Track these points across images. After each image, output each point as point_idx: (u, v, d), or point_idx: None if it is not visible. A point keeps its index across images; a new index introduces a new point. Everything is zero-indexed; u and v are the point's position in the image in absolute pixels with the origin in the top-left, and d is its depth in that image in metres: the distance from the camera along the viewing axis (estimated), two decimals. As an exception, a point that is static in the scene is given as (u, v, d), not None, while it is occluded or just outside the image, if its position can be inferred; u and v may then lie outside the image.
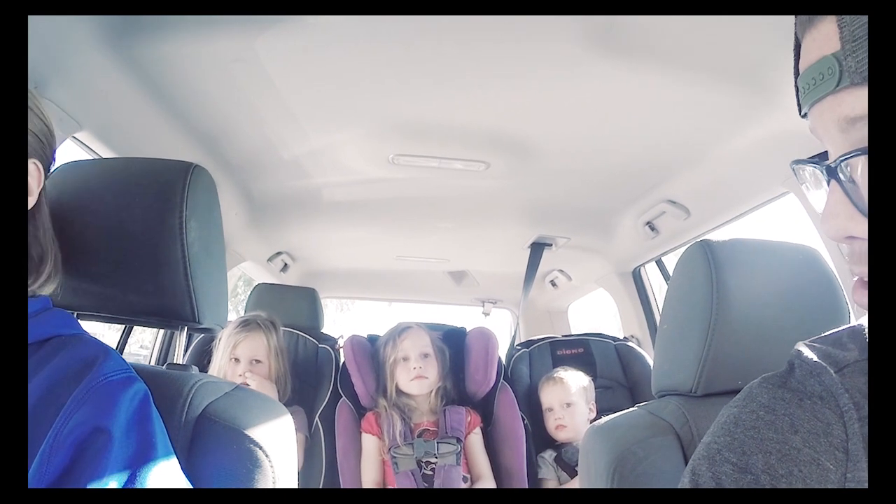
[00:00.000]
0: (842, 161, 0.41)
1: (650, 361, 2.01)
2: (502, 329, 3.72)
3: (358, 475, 1.67)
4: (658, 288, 2.36)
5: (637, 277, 2.37)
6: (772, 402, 0.51)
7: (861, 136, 0.40)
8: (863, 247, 0.42)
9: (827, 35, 0.41)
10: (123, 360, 0.68)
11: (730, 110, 1.25)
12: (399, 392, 1.76)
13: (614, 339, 2.16)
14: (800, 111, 0.45)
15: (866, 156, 0.39)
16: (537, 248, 2.32)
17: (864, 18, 0.39)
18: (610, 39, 1.06)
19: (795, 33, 0.46)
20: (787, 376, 0.53)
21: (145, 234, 0.85)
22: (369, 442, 1.71)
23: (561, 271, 2.77)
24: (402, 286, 3.34)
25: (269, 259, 2.55)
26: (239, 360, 1.73)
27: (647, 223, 1.85)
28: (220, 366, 1.74)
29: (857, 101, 0.40)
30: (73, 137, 1.25)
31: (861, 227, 0.41)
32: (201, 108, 1.36)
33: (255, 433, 0.80)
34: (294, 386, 1.84)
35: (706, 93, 1.19)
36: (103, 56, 1.11)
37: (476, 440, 1.74)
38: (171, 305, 0.87)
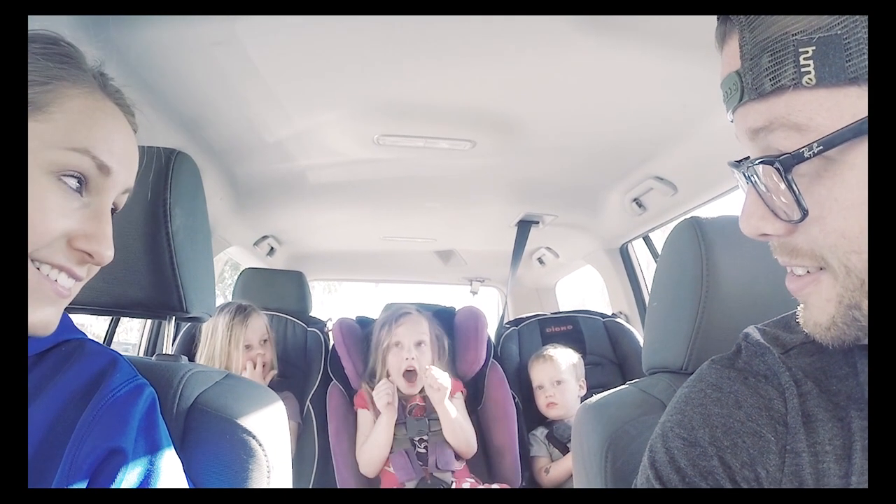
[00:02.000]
0: (750, 167, 0.45)
1: (639, 337, 2.03)
2: (490, 307, 3.74)
3: (351, 458, 1.67)
4: (646, 264, 2.37)
5: (624, 254, 2.36)
6: (719, 380, 0.56)
7: (764, 145, 0.44)
8: (780, 242, 0.47)
9: (733, 52, 0.45)
10: (129, 365, 0.67)
11: (716, 86, 1.24)
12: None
13: (603, 315, 2.17)
14: (731, 120, 0.49)
15: (770, 165, 0.43)
16: (524, 226, 2.31)
17: (759, 38, 0.42)
18: (597, 16, 1.04)
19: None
20: (735, 357, 0.58)
21: (129, 223, 0.84)
22: (364, 417, 1.71)
23: (548, 248, 2.77)
24: (390, 266, 3.32)
25: (256, 243, 2.52)
26: (250, 346, 1.74)
27: (635, 200, 1.85)
28: (224, 357, 1.74)
29: (757, 114, 0.44)
30: None
31: (773, 226, 0.46)
32: (182, 93, 1.33)
33: (248, 422, 0.79)
34: (284, 371, 1.85)
35: (693, 68, 1.18)
36: (79, 42, 1.08)
37: (457, 405, 1.75)
38: (157, 295, 0.86)
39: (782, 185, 0.43)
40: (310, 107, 1.44)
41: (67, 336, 0.66)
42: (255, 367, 1.71)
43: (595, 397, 0.94)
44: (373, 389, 1.72)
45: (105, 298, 0.86)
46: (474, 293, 3.38)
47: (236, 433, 0.78)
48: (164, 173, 0.85)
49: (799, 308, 0.51)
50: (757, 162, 0.45)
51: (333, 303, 9.88)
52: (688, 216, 0.94)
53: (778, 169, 0.43)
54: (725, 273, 0.85)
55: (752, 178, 0.46)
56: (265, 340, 1.79)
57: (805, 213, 0.43)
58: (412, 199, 2.18)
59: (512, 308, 3.33)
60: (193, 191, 0.91)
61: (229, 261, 2.88)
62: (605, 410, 0.89)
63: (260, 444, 0.78)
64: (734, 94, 0.45)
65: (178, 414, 0.78)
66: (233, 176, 1.85)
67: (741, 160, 0.50)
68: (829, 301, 0.45)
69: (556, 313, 2.22)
